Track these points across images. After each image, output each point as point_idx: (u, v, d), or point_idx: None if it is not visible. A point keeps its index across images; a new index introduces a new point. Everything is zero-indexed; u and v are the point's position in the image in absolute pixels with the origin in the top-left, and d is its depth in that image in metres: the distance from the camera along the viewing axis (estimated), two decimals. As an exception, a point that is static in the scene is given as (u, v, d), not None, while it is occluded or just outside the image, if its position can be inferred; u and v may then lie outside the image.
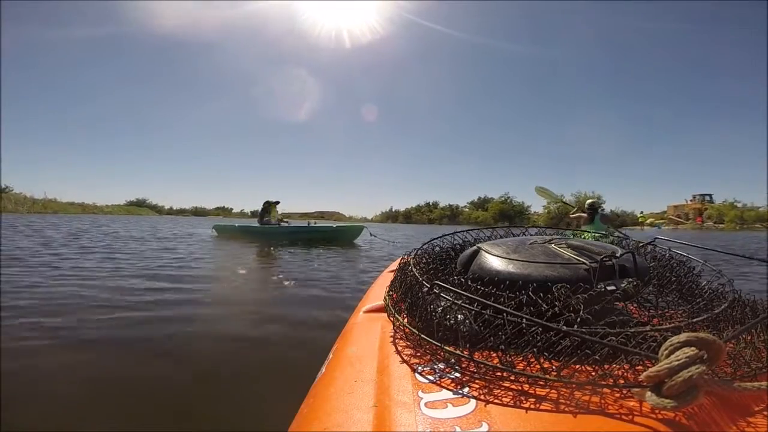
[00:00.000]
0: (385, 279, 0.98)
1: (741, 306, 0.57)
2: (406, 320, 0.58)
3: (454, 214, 53.65)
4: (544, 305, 0.49)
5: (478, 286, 0.56)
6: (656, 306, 0.62)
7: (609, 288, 0.53)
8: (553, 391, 0.40)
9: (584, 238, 0.99)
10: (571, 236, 0.93)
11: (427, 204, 58.51)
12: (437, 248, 0.87)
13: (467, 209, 53.43)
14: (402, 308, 0.63)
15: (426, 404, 0.39)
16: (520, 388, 0.41)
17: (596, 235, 1.23)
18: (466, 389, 0.42)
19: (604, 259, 0.57)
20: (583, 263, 0.58)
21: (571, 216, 4.78)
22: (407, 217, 57.93)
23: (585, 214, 4.31)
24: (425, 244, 0.87)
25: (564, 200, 5.11)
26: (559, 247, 0.65)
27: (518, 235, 0.95)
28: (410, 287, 0.62)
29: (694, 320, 0.49)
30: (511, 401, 0.39)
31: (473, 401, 0.39)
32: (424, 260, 0.78)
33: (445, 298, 0.53)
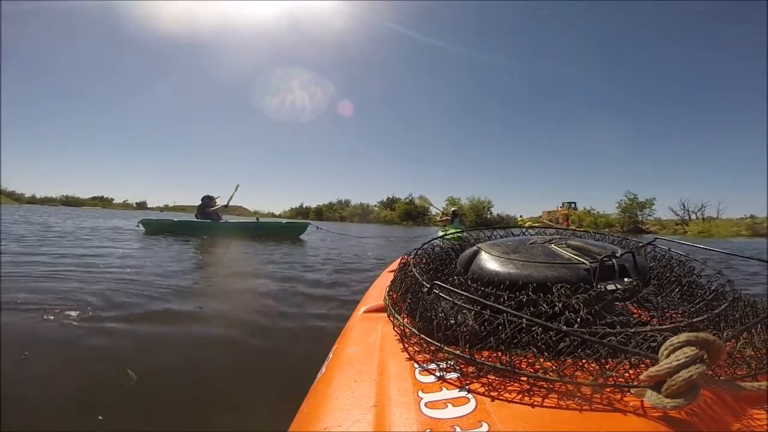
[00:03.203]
0: (385, 279, 0.98)
1: (741, 306, 0.57)
2: (406, 320, 0.58)
3: (365, 212, 54.57)
4: (544, 305, 0.49)
5: (478, 287, 0.56)
6: (656, 306, 0.62)
7: (609, 288, 0.53)
8: (553, 390, 0.40)
9: (447, 231, 1.21)
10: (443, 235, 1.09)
11: (339, 201, 58.48)
12: (437, 248, 0.87)
13: (377, 208, 54.81)
14: (402, 308, 0.62)
15: (426, 404, 0.39)
16: (520, 388, 0.41)
17: (456, 229, 1.49)
18: (466, 389, 0.42)
19: (605, 259, 0.57)
20: (583, 263, 0.58)
21: (439, 220, 7.21)
22: (318, 213, 56.91)
23: (448, 217, 6.49)
24: (425, 243, 0.87)
25: (440, 209, 8.01)
26: (559, 247, 0.66)
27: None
28: (410, 287, 0.62)
29: (694, 320, 0.49)
30: (511, 401, 0.39)
31: (473, 401, 0.39)
32: (424, 260, 0.78)
33: (445, 298, 0.52)
